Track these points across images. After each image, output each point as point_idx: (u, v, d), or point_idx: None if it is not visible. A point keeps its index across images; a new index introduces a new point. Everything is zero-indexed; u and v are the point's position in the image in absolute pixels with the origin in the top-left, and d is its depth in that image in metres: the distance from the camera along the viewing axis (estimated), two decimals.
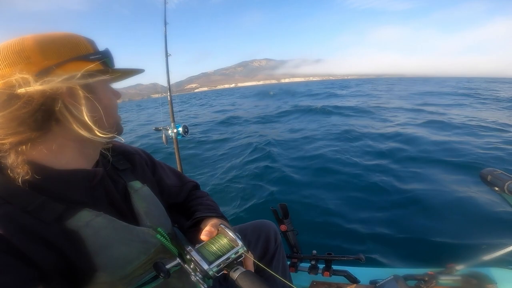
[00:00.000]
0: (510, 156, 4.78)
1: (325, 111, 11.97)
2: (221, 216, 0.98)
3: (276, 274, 0.75)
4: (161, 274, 0.66)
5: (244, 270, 0.69)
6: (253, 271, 0.76)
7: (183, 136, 2.17)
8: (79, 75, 0.60)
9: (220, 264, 0.70)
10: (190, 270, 0.69)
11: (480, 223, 2.71)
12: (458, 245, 2.37)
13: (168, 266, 0.68)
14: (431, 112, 10.32)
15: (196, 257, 0.69)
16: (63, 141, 0.66)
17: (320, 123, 9.29)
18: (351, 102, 15.44)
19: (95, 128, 0.65)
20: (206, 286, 0.68)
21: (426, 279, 1.43)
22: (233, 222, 1.14)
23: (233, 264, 0.72)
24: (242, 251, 0.75)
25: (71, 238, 0.61)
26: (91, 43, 0.68)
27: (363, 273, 1.61)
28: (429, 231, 2.62)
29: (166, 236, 0.79)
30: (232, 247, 0.74)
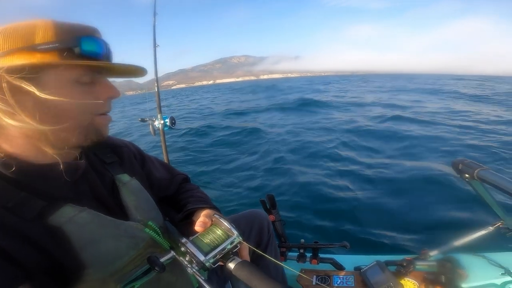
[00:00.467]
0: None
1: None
2: (213, 207, 0.96)
3: (271, 261, 0.82)
4: (156, 268, 0.64)
5: (240, 260, 0.69)
6: (249, 260, 0.76)
7: (170, 127, 2.13)
8: (5, 67, 0.52)
9: (216, 255, 0.69)
10: (186, 263, 0.68)
11: (450, 211, 3.02)
12: (431, 233, 2.63)
13: (162, 260, 0.66)
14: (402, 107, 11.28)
15: (192, 248, 0.67)
16: (25, 134, 0.60)
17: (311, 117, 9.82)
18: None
19: (46, 127, 0.58)
20: (203, 278, 0.67)
21: (405, 264, 1.54)
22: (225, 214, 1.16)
23: (228, 254, 0.71)
24: (238, 241, 0.74)
25: (54, 235, 0.59)
26: (58, 31, 0.57)
27: (348, 261, 1.70)
28: (404, 222, 2.89)
29: (157, 229, 0.78)
30: (228, 237, 0.73)
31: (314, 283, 1.53)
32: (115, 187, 0.80)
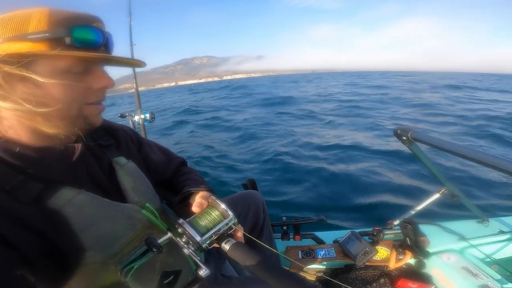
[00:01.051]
0: None
1: None
2: (209, 189, 0.96)
3: (265, 244, 0.80)
4: (154, 249, 0.63)
5: (235, 241, 0.70)
6: (243, 242, 0.77)
7: (150, 122, 2.14)
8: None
9: (212, 236, 0.70)
10: (182, 244, 0.68)
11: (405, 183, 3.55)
12: (393, 205, 3.06)
13: (160, 241, 0.65)
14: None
15: (189, 229, 0.68)
16: (18, 118, 0.59)
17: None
18: None
19: (37, 109, 0.57)
20: (199, 259, 0.68)
21: (375, 233, 1.71)
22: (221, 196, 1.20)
23: (224, 236, 0.72)
24: (233, 222, 0.76)
25: (53, 218, 0.58)
26: (52, 20, 0.56)
27: (327, 235, 1.83)
28: (369, 197, 3.30)
29: (155, 211, 0.78)
30: (223, 219, 0.75)
31: (300, 257, 1.64)
32: (112, 170, 0.79)
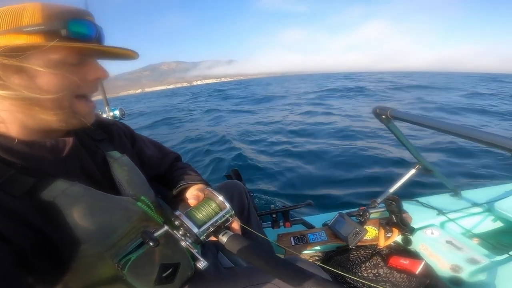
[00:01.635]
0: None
1: None
2: (205, 183, 0.97)
3: (257, 232, 0.86)
4: (150, 243, 0.62)
5: (232, 233, 0.70)
6: (240, 234, 0.77)
7: (120, 119, 2.00)
8: None
9: (209, 228, 0.69)
10: (179, 236, 0.67)
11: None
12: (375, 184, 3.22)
13: (156, 234, 0.65)
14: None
15: (186, 221, 0.67)
16: (11, 112, 0.59)
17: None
18: None
19: (35, 107, 0.59)
20: (196, 251, 0.67)
21: (361, 213, 1.74)
22: None
23: (221, 228, 0.72)
24: (230, 214, 0.75)
25: (46, 211, 0.57)
26: (46, 13, 0.57)
27: (315, 220, 1.84)
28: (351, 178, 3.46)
29: (150, 204, 0.77)
30: (220, 211, 0.74)
31: (293, 244, 1.63)
32: (106, 164, 0.77)
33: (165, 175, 1.04)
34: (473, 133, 0.96)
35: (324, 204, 2.76)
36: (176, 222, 0.68)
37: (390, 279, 1.37)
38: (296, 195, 3.23)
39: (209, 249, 1.08)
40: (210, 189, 0.79)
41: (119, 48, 0.66)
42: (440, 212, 1.75)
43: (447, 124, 1.08)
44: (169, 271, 0.75)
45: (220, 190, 1.21)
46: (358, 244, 1.58)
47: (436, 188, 2.13)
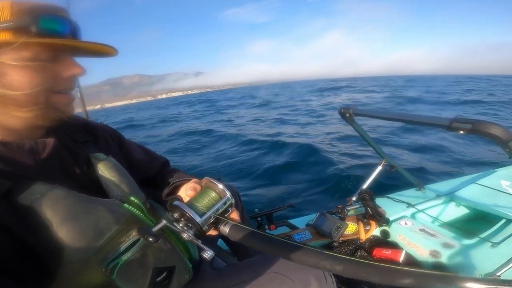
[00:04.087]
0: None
1: None
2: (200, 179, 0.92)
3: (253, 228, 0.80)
4: (150, 238, 0.57)
5: (233, 223, 0.66)
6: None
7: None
8: None
9: (211, 217, 0.65)
10: (180, 228, 0.62)
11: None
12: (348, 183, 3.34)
13: (155, 229, 0.59)
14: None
15: (188, 210, 0.62)
16: None
17: None
18: None
19: (7, 104, 0.57)
20: (200, 242, 0.62)
21: (339, 211, 1.77)
22: None
23: (221, 219, 0.67)
24: (231, 202, 0.70)
25: (25, 215, 0.52)
26: (15, 10, 0.54)
27: (297, 222, 1.84)
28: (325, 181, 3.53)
29: (141, 205, 0.71)
30: (221, 198, 0.69)
31: None
32: (90, 165, 0.72)
33: (154, 178, 0.99)
34: (415, 118, 1.04)
35: (304, 205, 2.78)
36: (175, 214, 0.63)
37: None
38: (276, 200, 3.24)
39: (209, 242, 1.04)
40: (208, 177, 0.74)
41: (94, 43, 0.63)
42: (409, 204, 1.83)
43: (398, 114, 1.20)
44: (163, 275, 0.69)
45: None
46: (342, 239, 1.59)
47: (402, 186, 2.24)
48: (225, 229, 0.64)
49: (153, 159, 1.03)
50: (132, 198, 0.70)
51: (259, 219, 1.70)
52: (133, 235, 0.63)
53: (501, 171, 2.23)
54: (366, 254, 1.50)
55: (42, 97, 0.59)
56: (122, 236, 0.63)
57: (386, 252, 1.45)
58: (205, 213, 0.64)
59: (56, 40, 0.56)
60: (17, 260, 0.51)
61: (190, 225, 0.62)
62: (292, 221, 1.82)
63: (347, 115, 1.43)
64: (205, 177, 0.75)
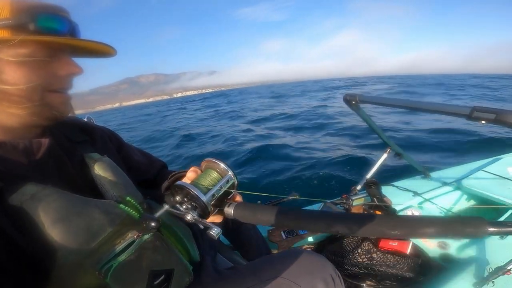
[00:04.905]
0: None
1: None
2: None
3: (249, 227, 0.87)
4: (152, 223, 0.57)
5: (236, 203, 0.65)
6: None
7: None
8: None
9: (215, 195, 0.64)
10: (183, 210, 0.61)
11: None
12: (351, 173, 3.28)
13: (157, 214, 0.59)
14: None
15: (193, 189, 0.60)
16: None
17: None
18: None
19: (1, 101, 0.56)
20: (206, 221, 0.61)
21: (344, 201, 1.73)
22: None
23: (224, 202, 0.66)
24: (234, 180, 0.69)
25: (14, 216, 0.51)
26: (14, 8, 0.53)
27: None
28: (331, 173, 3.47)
29: (137, 205, 0.69)
30: (223, 177, 0.68)
31: (284, 237, 1.57)
32: (85, 166, 0.71)
33: (154, 179, 0.98)
34: (432, 106, 1.00)
35: (307, 196, 2.75)
36: (177, 197, 0.62)
37: (384, 261, 1.35)
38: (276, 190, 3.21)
39: (207, 253, 0.99)
40: (208, 158, 0.71)
41: (92, 41, 0.62)
42: (416, 193, 1.79)
43: (406, 101, 1.13)
44: (161, 279, 0.66)
45: None
46: None
47: (407, 173, 2.18)
48: (230, 210, 0.62)
49: (153, 161, 1.02)
50: (128, 198, 0.68)
51: None
52: (129, 236, 0.62)
53: (508, 158, 2.17)
54: (372, 246, 1.46)
55: (37, 94, 0.58)
56: (117, 237, 0.61)
57: (393, 244, 1.41)
58: (209, 190, 0.63)
59: (53, 37, 0.56)
60: (11, 262, 0.49)
61: (194, 204, 0.61)
62: None
63: (353, 102, 1.38)
64: (206, 159, 0.72)
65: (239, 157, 4.78)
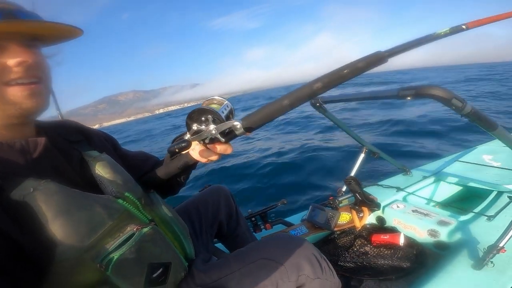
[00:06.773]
0: None
1: None
2: None
3: (246, 234, 0.93)
4: (182, 144, 0.61)
5: (240, 120, 0.66)
6: None
7: None
8: None
9: (223, 112, 0.68)
10: (204, 128, 0.65)
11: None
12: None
13: (187, 137, 0.65)
14: None
15: (207, 107, 0.66)
16: None
17: None
18: None
19: None
20: (223, 140, 0.66)
21: (331, 202, 1.71)
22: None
23: (225, 131, 0.67)
24: (231, 107, 0.74)
25: (16, 212, 0.50)
26: None
27: (293, 218, 1.77)
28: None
29: (136, 201, 0.70)
30: (221, 105, 0.71)
31: None
32: (84, 164, 0.71)
33: (152, 170, 0.95)
34: (369, 94, 1.12)
35: (295, 203, 2.73)
36: (194, 126, 0.66)
37: (380, 254, 1.32)
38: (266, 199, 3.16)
39: (201, 252, 0.97)
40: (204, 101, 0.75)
41: (32, 21, 0.57)
42: (399, 188, 1.78)
43: (355, 94, 1.21)
44: (159, 272, 0.66)
45: (206, 194, 1.22)
46: (338, 229, 1.53)
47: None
48: (238, 126, 0.63)
49: (148, 157, 1.01)
50: (127, 194, 0.69)
51: (253, 219, 1.60)
52: (128, 230, 0.61)
53: (481, 147, 2.23)
54: (365, 242, 1.42)
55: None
56: (116, 231, 0.60)
57: (385, 237, 1.38)
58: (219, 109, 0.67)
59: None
60: (10, 260, 0.48)
61: (212, 118, 0.65)
62: (287, 219, 1.74)
63: (317, 104, 1.40)
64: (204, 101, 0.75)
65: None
